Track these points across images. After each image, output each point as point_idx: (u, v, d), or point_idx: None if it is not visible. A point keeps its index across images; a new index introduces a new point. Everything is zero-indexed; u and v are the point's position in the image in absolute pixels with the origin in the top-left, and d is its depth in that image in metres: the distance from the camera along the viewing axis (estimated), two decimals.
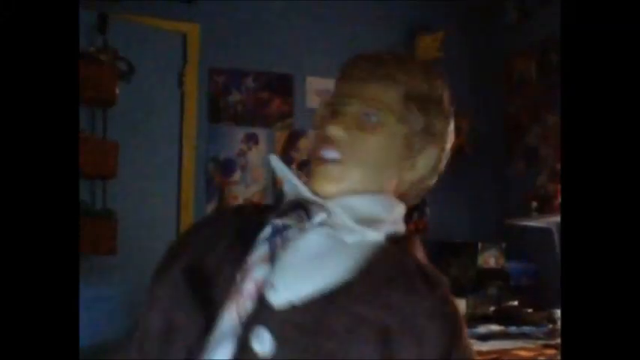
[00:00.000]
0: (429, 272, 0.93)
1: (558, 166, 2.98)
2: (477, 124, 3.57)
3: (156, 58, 3.00)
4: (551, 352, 2.47)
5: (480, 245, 3.15)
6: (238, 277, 0.85)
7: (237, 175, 3.19)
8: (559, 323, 2.66)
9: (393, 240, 0.95)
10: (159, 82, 3.01)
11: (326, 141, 0.94)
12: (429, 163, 1.01)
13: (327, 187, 0.94)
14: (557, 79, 3.14)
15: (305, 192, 0.93)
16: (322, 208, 0.91)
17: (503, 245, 3.19)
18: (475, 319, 2.80)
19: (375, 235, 0.93)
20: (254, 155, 3.22)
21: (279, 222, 0.90)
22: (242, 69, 3.23)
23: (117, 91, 2.64)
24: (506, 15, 3.61)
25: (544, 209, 3.02)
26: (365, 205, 0.95)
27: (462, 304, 2.92)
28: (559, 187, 2.92)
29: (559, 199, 2.90)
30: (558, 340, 2.52)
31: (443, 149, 1.03)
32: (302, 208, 0.91)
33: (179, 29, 3.10)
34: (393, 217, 0.98)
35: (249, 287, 0.84)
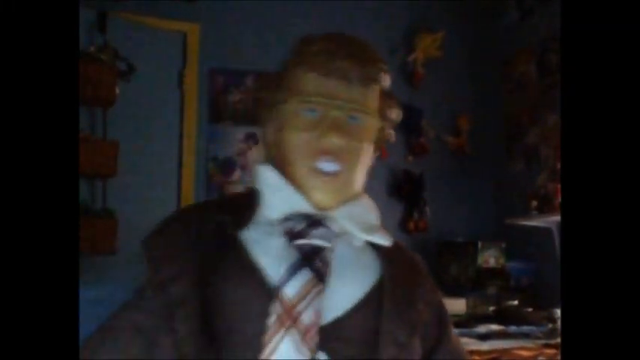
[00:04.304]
0: (422, 266, 1.04)
1: (558, 166, 2.98)
2: (477, 124, 3.57)
3: (156, 58, 2.99)
4: (551, 351, 2.47)
5: (479, 245, 3.15)
6: (277, 307, 0.83)
7: (237, 175, 3.19)
8: (559, 323, 2.66)
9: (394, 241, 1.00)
10: (159, 82, 3.00)
11: (325, 152, 0.92)
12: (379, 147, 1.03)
13: (327, 200, 0.94)
14: (557, 79, 3.14)
15: (308, 207, 0.93)
16: (332, 220, 0.93)
17: (503, 245, 3.19)
18: (475, 319, 2.80)
19: (383, 240, 0.97)
20: (254, 155, 3.21)
21: (304, 243, 0.89)
22: (242, 69, 3.22)
23: (117, 90, 2.64)
24: (506, 15, 3.60)
25: (544, 209, 3.01)
26: (363, 211, 0.98)
27: (461, 304, 2.92)
28: (559, 186, 2.92)
29: (559, 199, 2.90)
30: (558, 340, 2.52)
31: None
32: (320, 225, 0.91)
33: (179, 29, 3.09)
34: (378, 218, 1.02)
35: (312, 319, 0.84)
